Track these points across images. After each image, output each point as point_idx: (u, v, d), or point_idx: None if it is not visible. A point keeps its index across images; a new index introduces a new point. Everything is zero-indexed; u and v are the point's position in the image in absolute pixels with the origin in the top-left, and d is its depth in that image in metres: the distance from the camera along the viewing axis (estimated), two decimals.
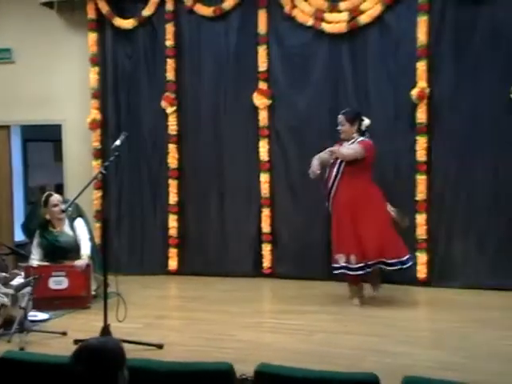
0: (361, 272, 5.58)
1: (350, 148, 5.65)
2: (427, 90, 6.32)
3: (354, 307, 5.64)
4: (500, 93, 6.11)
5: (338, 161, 5.67)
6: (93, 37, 7.41)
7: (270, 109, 6.93)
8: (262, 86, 6.93)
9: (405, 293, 6.13)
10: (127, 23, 7.29)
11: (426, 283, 6.34)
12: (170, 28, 7.16)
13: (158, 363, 3.18)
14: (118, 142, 4.78)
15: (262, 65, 6.92)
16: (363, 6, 6.53)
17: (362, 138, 5.70)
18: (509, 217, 6.14)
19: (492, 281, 6.12)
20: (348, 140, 5.73)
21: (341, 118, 5.76)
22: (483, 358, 4.22)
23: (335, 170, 5.68)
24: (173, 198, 7.22)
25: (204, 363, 3.20)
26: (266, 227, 6.97)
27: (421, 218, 6.38)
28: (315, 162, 5.68)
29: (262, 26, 6.91)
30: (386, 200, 5.73)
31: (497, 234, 6.20)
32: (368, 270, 5.57)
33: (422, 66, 6.33)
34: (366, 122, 5.77)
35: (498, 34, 6.12)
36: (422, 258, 6.36)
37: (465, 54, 6.26)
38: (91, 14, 7.38)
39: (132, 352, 3.56)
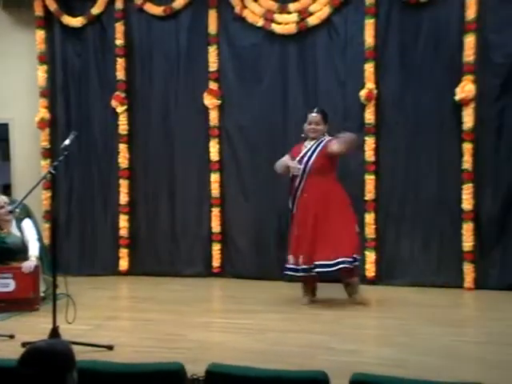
0: (304, 274, 5.59)
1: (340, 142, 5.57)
2: (375, 91, 6.44)
3: (304, 306, 5.69)
4: (444, 94, 6.27)
5: (305, 159, 5.64)
6: (40, 34, 7.29)
7: (220, 109, 6.95)
8: (213, 86, 6.95)
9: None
10: (76, 21, 7.20)
11: (374, 282, 6.46)
12: (119, 27, 7.11)
13: (108, 364, 3.15)
14: (67, 142, 4.73)
15: (213, 65, 6.94)
16: (312, 8, 6.61)
17: (330, 138, 5.66)
18: (453, 216, 6.30)
19: (437, 279, 6.27)
20: (317, 140, 5.68)
21: (318, 117, 5.69)
22: (428, 353, 4.32)
23: (302, 169, 5.63)
24: (123, 198, 7.17)
25: (154, 364, 3.19)
26: (216, 227, 6.98)
27: (369, 218, 6.49)
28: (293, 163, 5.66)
29: (213, 26, 6.92)
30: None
31: (441, 233, 6.35)
32: (312, 272, 5.55)
33: (369, 68, 6.45)
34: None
35: (440, 37, 6.30)
36: (370, 256, 6.48)
37: (410, 56, 6.41)
38: (39, 11, 7.27)
39: (82, 354, 3.55)
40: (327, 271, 5.46)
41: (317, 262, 5.47)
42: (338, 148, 5.54)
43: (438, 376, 3.48)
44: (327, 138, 5.69)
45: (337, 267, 5.43)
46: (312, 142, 5.71)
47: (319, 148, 5.64)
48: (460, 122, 6.22)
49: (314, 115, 5.71)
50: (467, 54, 6.16)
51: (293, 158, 5.73)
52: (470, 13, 6.14)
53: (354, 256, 5.51)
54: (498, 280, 6.15)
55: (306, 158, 5.65)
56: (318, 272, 5.51)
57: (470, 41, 6.14)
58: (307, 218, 5.59)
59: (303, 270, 5.58)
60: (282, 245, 6.71)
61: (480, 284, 6.18)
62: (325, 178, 5.59)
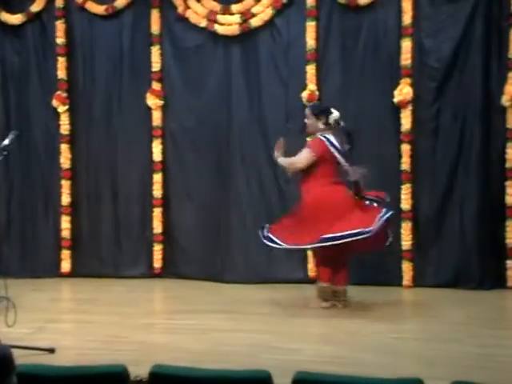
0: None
1: (289, 160, 5.63)
2: (317, 93, 6.53)
3: (247, 306, 5.73)
4: (383, 96, 6.39)
5: None
6: None
7: (164, 109, 6.94)
8: (156, 86, 6.92)
9: (296, 290, 6.30)
10: (15, 18, 7.06)
11: (314, 281, 6.52)
12: (60, 25, 7.00)
13: (49, 368, 3.11)
14: (6, 141, 4.65)
15: (156, 65, 6.91)
16: (255, 10, 6.65)
17: (320, 136, 5.60)
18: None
19: (377, 277, 6.40)
20: (313, 134, 5.70)
21: (307, 111, 5.71)
22: (368, 351, 4.42)
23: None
24: (65, 199, 7.06)
25: (97, 366, 3.16)
26: (157, 228, 6.96)
27: None
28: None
29: (156, 26, 6.90)
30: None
31: None
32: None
33: (311, 70, 6.54)
34: (335, 114, 5.62)
35: (379, 40, 6.43)
36: (312, 256, 6.54)
37: (351, 58, 6.52)
38: None
39: (22, 358, 3.49)
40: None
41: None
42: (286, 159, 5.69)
43: (377, 372, 3.56)
44: (319, 135, 5.63)
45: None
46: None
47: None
48: (398, 124, 6.37)
49: (306, 110, 5.78)
50: (404, 58, 6.31)
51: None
52: (407, 18, 6.30)
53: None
54: (434, 278, 6.32)
55: None
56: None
57: (406, 45, 6.30)
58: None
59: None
60: (225, 245, 6.78)
61: (418, 282, 6.34)
62: (303, 181, 5.63)
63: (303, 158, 5.57)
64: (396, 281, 6.36)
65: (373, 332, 4.90)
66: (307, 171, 5.58)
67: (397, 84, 6.33)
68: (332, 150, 5.55)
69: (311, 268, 6.53)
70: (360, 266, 6.41)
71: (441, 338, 4.71)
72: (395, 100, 6.32)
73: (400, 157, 6.37)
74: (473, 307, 5.59)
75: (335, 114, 5.62)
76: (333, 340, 4.74)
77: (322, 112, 5.66)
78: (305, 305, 5.68)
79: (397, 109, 6.36)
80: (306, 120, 5.71)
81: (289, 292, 6.21)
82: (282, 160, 5.67)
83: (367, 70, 6.47)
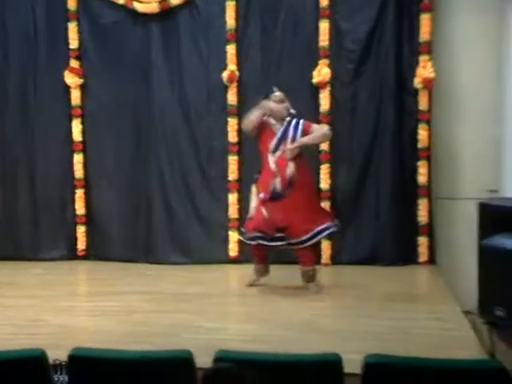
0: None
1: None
2: (237, 73, 6.55)
3: (167, 286, 5.73)
4: (302, 77, 6.44)
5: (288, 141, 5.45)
6: None
7: (83, 88, 6.80)
8: (74, 63, 6.77)
9: (219, 270, 6.36)
10: None
11: (236, 261, 6.60)
12: None
13: None
14: None
15: (73, 42, 6.76)
16: None
17: (299, 119, 5.54)
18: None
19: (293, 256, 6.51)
20: (284, 119, 5.49)
21: (282, 95, 5.53)
22: (289, 328, 4.53)
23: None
24: None
25: (14, 351, 3.11)
26: (80, 209, 6.85)
27: (233, 198, 6.62)
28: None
29: (72, 2, 6.72)
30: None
31: None
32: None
33: (231, 49, 6.54)
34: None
35: (298, 21, 6.47)
36: (233, 236, 6.60)
37: (270, 38, 6.53)
38: None
39: None
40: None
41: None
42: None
43: (298, 349, 3.66)
44: (296, 119, 5.57)
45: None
46: (285, 125, 5.53)
47: (299, 132, 5.54)
48: (317, 105, 6.47)
49: (277, 94, 5.55)
50: (322, 39, 6.39)
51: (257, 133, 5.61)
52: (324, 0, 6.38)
53: None
54: (351, 255, 6.47)
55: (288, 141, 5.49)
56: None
57: (324, 26, 6.38)
58: None
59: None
60: (148, 226, 6.74)
61: (335, 260, 6.50)
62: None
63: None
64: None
65: (292, 309, 5.01)
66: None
67: (315, 65, 6.42)
68: None
69: (232, 248, 6.60)
70: None
71: (356, 314, 4.86)
72: (314, 81, 6.41)
73: None
74: (386, 283, 5.78)
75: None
76: (253, 318, 4.82)
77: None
78: (227, 285, 5.74)
79: (316, 89, 6.46)
80: (284, 104, 5.53)
81: (211, 272, 6.25)
82: (313, 137, 5.48)
83: (286, 51, 6.51)
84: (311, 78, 6.42)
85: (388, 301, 5.22)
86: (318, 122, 6.43)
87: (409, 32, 6.33)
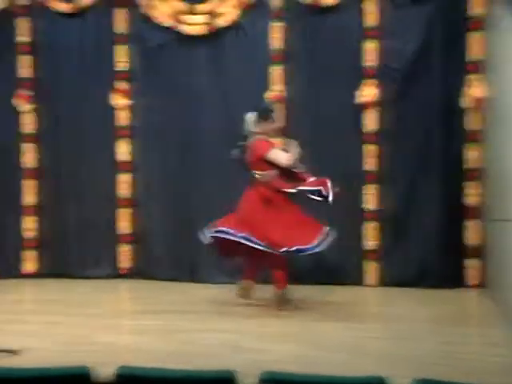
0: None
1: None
2: (281, 94, 6.56)
3: (211, 305, 5.73)
4: (346, 97, 6.44)
5: None
6: None
7: (129, 109, 6.90)
8: (121, 85, 6.88)
9: (260, 291, 6.32)
10: None
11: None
12: (23, 23, 6.92)
13: (13, 370, 3.09)
14: None
15: (120, 64, 6.88)
16: (221, 10, 6.66)
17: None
18: (356, 216, 6.48)
19: (341, 277, 6.47)
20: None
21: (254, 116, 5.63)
22: (333, 350, 4.46)
23: None
24: (29, 199, 6.99)
25: (62, 368, 3.13)
26: (125, 229, 6.93)
27: None
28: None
29: (121, 25, 6.86)
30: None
31: (345, 234, 6.47)
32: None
33: (276, 70, 6.57)
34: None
35: (342, 41, 6.49)
36: None
37: (315, 59, 6.56)
38: None
39: None
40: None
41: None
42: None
43: (341, 371, 3.60)
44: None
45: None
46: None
47: None
48: (362, 125, 6.44)
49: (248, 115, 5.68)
50: (367, 59, 6.39)
51: None
52: (370, 19, 6.38)
53: None
54: (397, 277, 6.39)
55: None
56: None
57: (370, 46, 6.39)
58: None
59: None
60: (193, 245, 6.75)
61: (381, 281, 6.42)
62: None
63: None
64: (360, 280, 6.43)
65: (337, 331, 4.94)
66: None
67: (360, 85, 6.40)
68: None
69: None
70: (322, 266, 6.48)
71: (403, 337, 4.77)
72: (359, 101, 6.39)
73: (364, 158, 6.44)
74: (434, 306, 5.67)
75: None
76: (297, 339, 4.77)
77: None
78: (268, 305, 5.70)
79: (360, 110, 6.43)
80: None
81: (255, 292, 6.22)
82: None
83: (331, 72, 6.52)
84: (356, 98, 6.39)
85: (437, 324, 5.12)
86: (363, 142, 6.41)
87: (458, 51, 6.27)
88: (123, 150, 6.90)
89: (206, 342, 4.66)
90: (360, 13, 6.44)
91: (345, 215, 6.45)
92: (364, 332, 4.98)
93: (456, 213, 6.32)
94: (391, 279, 6.41)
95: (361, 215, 6.46)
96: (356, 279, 6.46)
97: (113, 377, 3.01)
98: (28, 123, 6.98)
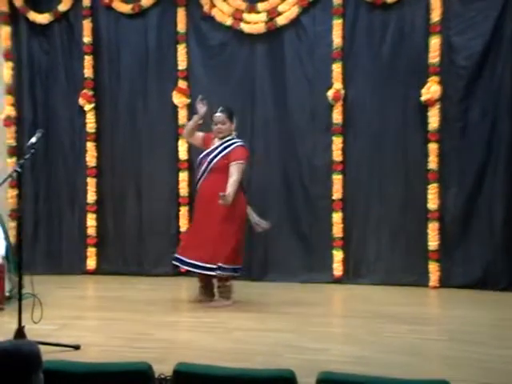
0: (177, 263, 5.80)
1: (232, 183, 5.47)
2: (342, 92, 6.50)
3: (271, 304, 5.71)
4: (410, 94, 6.35)
5: (210, 157, 5.63)
6: (6, 30, 7.19)
7: (190, 107, 6.95)
8: (182, 84, 6.94)
9: (320, 290, 6.28)
10: (42, 18, 7.13)
11: (341, 280, 6.52)
12: (87, 24, 7.05)
13: (75, 365, 3.13)
14: (33, 140, 4.67)
15: (182, 63, 6.93)
16: (280, 8, 6.64)
17: (239, 142, 5.66)
18: (418, 216, 6.38)
19: (403, 278, 6.37)
20: (224, 139, 5.65)
21: (222, 116, 5.65)
22: (393, 351, 4.38)
23: (205, 165, 5.65)
24: (91, 197, 7.12)
25: (122, 363, 3.18)
26: (185, 227, 6.97)
27: (337, 217, 6.54)
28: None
29: (182, 25, 6.92)
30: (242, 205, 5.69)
31: (407, 232, 6.43)
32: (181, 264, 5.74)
33: (337, 68, 6.51)
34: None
35: (406, 38, 6.39)
36: (337, 255, 6.54)
37: (377, 56, 6.48)
38: (3, 6, 7.15)
39: (48, 354, 3.52)
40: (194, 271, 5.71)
41: (188, 260, 5.64)
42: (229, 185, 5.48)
43: (402, 373, 3.53)
44: (236, 140, 5.67)
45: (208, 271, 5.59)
46: (220, 142, 5.68)
47: (226, 151, 5.61)
48: (425, 123, 6.31)
49: (218, 115, 5.68)
50: (432, 56, 6.26)
51: (204, 147, 5.76)
52: (435, 15, 6.25)
53: (222, 265, 5.53)
54: (461, 278, 6.25)
55: (211, 156, 5.64)
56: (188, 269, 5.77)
57: (435, 42, 6.26)
58: (196, 215, 5.85)
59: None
60: (249, 244, 6.75)
61: (444, 282, 6.28)
62: (221, 177, 5.52)
63: (240, 173, 5.55)
64: (422, 281, 6.31)
65: (397, 332, 4.86)
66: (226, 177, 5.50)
67: (424, 82, 6.27)
68: None
69: (336, 268, 6.52)
70: (385, 266, 6.40)
71: (466, 340, 4.66)
72: (423, 98, 6.27)
73: (427, 156, 6.31)
74: (499, 309, 5.53)
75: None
76: (356, 340, 4.71)
77: (232, 115, 5.73)
78: (330, 305, 5.66)
79: (424, 107, 6.31)
80: (222, 126, 5.65)
81: (315, 292, 6.18)
82: (231, 190, 5.43)
83: (394, 68, 6.43)
84: (419, 95, 6.27)
85: (500, 327, 4.97)
86: (427, 140, 6.28)
87: None
88: (184, 149, 6.94)
89: (263, 340, 4.64)
90: (425, 8, 6.30)
91: (409, 214, 6.35)
92: (422, 334, 4.88)
93: None
94: (453, 280, 6.27)
95: (425, 215, 6.33)
96: (420, 280, 6.32)
97: (171, 373, 3.02)
98: (90, 122, 7.10)
